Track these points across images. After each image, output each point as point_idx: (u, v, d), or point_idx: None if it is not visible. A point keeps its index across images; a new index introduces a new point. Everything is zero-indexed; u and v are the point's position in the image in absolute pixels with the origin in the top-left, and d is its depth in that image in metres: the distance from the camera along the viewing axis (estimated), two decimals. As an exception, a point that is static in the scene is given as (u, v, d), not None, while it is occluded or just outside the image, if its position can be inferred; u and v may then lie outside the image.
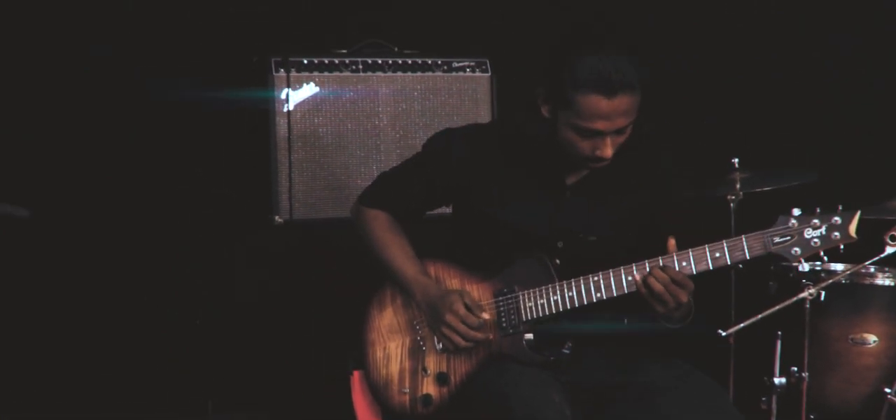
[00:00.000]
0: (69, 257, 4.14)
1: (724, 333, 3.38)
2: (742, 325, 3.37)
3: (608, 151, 3.01)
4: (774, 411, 3.81)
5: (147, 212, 4.21)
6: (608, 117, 2.96)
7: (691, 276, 2.98)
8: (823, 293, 3.80)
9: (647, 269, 2.98)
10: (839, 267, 3.87)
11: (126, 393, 4.06)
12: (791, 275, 3.89)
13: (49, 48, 4.10)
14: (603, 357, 3.15)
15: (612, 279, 3.02)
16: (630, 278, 3.00)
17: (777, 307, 3.37)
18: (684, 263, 2.96)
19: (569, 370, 3.11)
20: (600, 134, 2.99)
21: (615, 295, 3.02)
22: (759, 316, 3.38)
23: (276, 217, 4.08)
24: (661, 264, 2.97)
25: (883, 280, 3.82)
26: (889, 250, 3.38)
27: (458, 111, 4.25)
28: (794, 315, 3.68)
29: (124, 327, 4.17)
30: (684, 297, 2.97)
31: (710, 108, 4.51)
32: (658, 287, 2.95)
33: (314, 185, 4.11)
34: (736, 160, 3.95)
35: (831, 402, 3.81)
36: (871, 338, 3.78)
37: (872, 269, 3.87)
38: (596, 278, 3.03)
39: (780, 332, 3.77)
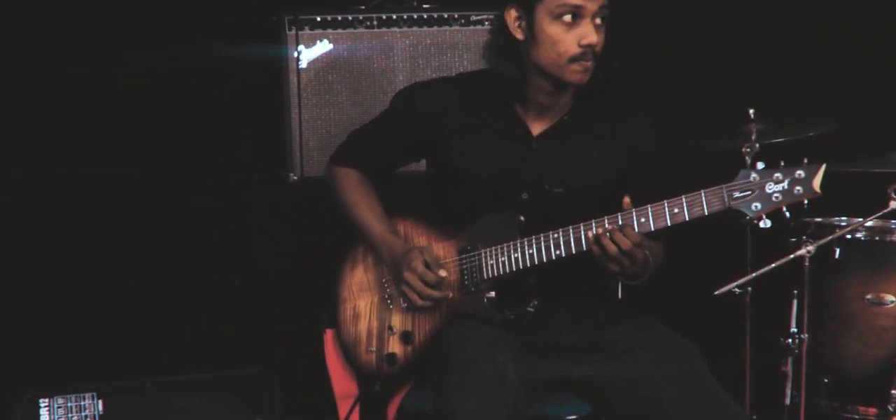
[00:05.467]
0: (87, 215, 4.10)
1: (716, 293, 3.26)
2: (732, 285, 3.23)
3: (594, 36, 2.90)
4: (790, 374, 3.66)
5: (164, 170, 4.15)
6: None
7: (653, 233, 2.85)
8: (838, 251, 3.63)
9: (606, 227, 2.84)
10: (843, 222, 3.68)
11: (137, 351, 4.03)
12: (805, 236, 3.68)
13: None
14: (570, 315, 3.05)
15: (571, 237, 2.90)
16: (590, 234, 2.88)
17: (769, 267, 3.21)
18: (643, 219, 2.82)
19: (534, 328, 3.00)
20: (582, 10, 2.89)
21: (574, 253, 2.90)
22: (752, 275, 3.24)
23: (291, 174, 4.01)
24: (620, 223, 2.84)
25: (904, 237, 3.60)
26: (893, 205, 3.22)
27: (475, 66, 4.02)
28: (810, 274, 3.54)
29: (139, 286, 4.13)
30: (639, 255, 2.84)
31: (724, 55, 4.28)
32: (612, 248, 2.82)
33: (329, 142, 3.96)
34: (752, 110, 3.79)
35: (847, 365, 3.64)
36: (889, 298, 3.58)
37: (893, 225, 3.66)
38: (556, 235, 2.91)
39: (795, 292, 3.61)
